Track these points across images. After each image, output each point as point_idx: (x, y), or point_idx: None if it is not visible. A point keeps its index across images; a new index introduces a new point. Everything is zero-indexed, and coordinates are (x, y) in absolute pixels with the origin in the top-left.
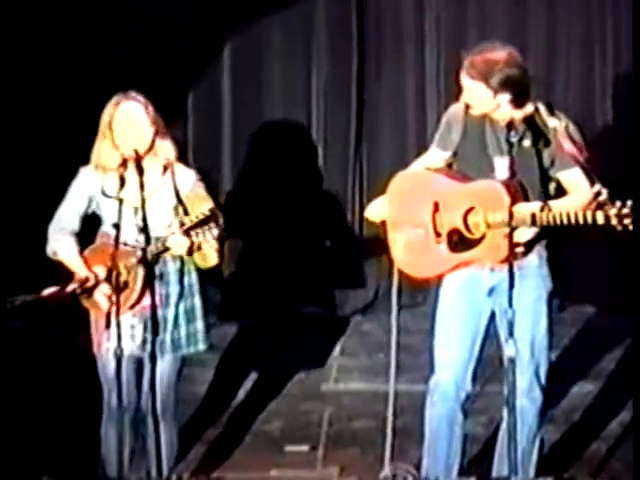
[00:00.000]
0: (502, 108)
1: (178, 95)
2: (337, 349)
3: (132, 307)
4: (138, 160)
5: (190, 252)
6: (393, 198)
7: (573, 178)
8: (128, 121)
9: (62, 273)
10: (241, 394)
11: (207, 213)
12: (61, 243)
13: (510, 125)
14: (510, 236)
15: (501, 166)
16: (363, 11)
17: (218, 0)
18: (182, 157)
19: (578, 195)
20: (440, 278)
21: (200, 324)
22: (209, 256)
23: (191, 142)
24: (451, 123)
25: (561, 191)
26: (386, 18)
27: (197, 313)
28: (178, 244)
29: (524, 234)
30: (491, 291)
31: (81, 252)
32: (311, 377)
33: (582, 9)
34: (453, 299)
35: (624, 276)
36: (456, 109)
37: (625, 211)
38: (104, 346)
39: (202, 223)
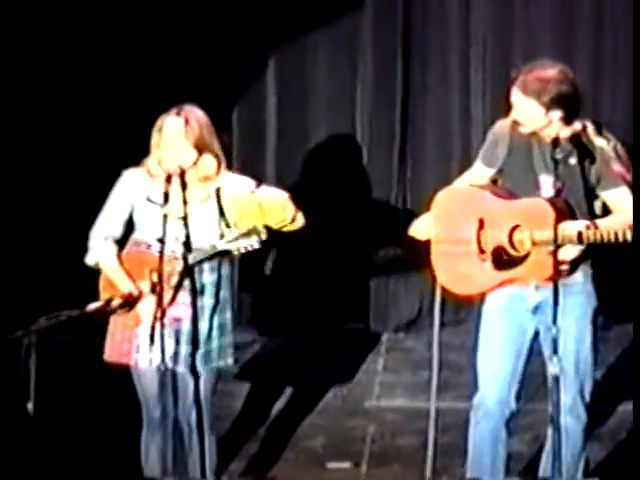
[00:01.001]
0: (552, 125)
1: (224, 107)
2: (380, 365)
3: (162, 318)
4: (182, 176)
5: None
6: (437, 214)
7: (619, 197)
8: (168, 139)
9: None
10: (281, 410)
11: (250, 228)
12: (104, 252)
13: (556, 142)
14: (555, 254)
15: (547, 184)
16: (409, 26)
17: (264, 13)
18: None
19: (623, 214)
20: (483, 295)
21: (230, 338)
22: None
23: (236, 154)
24: (497, 139)
25: (607, 210)
26: (432, 33)
27: (228, 327)
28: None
29: (570, 252)
30: (536, 309)
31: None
32: (354, 393)
33: (628, 27)
34: (497, 316)
35: None
36: (502, 125)
37: None
38: (133, 357)
39: (243, 237)
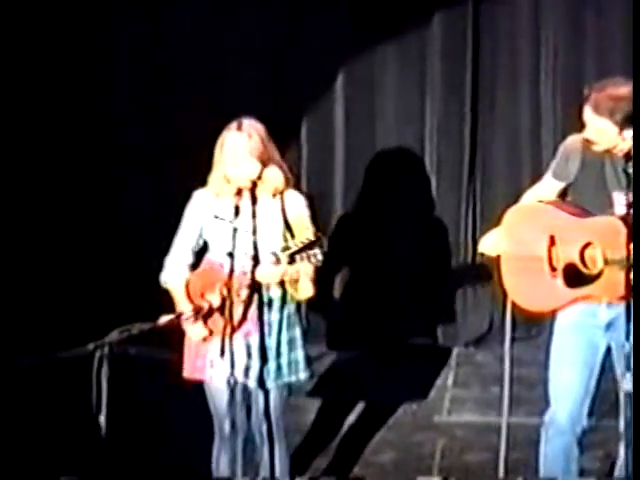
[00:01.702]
0: (625, 142)
1: (293, 122)
2: (450, 380)
3: (232, 333)
4: (253, 190)
5: (283, 280)
6: (507, 230)
7: None
8: (232, 156)
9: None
10: (350, 424)
11: (312, 238)
12: (173, 273)
13: (628, 156)
14: (627, 274)
15: (620, 200)
16: (478, 42)
17: (333, 27)
18: (295, 182)
19: None
20: (555, 312)
21: (301, 353)
22: (304, 288)
23: (305, 170)
24: (569, 154)
25: None
26: (501, 46)
27: (297, 342)
28: (266, 274)
29: None
30: (608, 326)
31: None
32: (424, 408)
33: None
34: (569, 333)
35: None
36: (574, 140)
37: None
38: (208, 373)
39: (306, 248)
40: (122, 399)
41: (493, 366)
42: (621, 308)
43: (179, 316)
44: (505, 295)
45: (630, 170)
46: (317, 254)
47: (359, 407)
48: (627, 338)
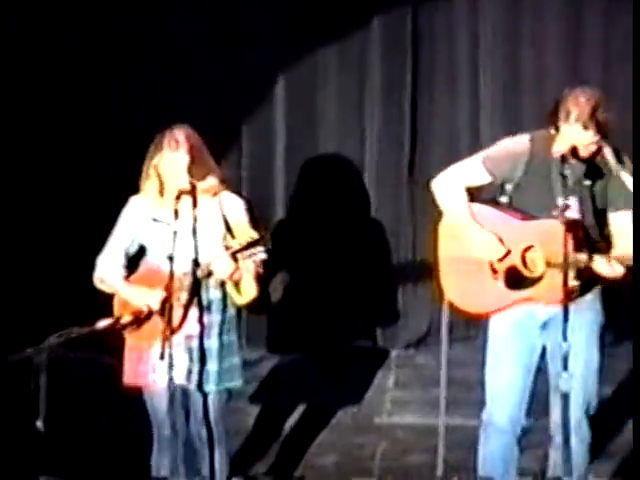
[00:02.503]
0: (564, 144)
1: (232, 127)
2: (390, 382)
3: (172, 334)
4: (193, 193)
5: (232, 277)
6: (446, 232)
7: (621, 222)
8: (170, 173)
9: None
10: (291, 427)
11: (255, 237)
12: (108, 272)
13: (564, 158)
14: (565, 277)
15: (565, 206)
16: (417, 44)
17: (272, 32)
18: (235, 186)
19: (627, 240)
20: (493, 313)
21: (237, 359)
22: (248, 289)
23: (245, 173)
24: (514, 155)
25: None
26: (440, 50)
27: (235, 347)
28: (222, 268)
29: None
30: (544, 325)
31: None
32: (364, 410)
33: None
34: (506, 332)
35: None
36: (522, 142)
37: None
38: (150, 377)
39: (249, 247)
40: (61, 404)
41: (433, 367)
42: (558, 308)
43: (117, 320)
44: (442, 297)
45: (567, 172)
46: (260, 252)
47: (300, 410)
48: (564, 338)
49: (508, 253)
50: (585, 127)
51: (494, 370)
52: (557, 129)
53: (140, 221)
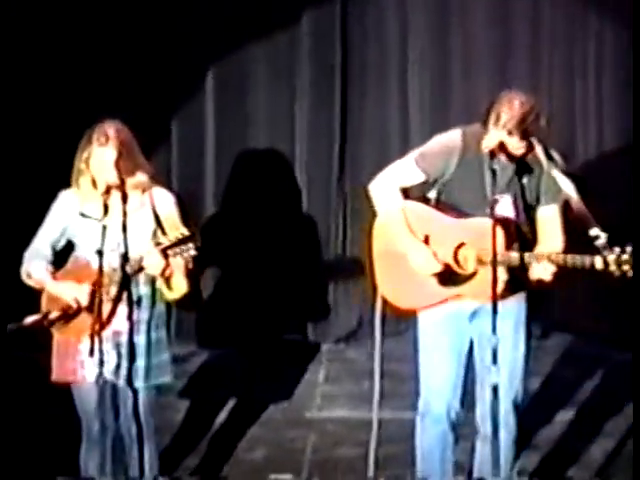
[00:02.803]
0: (491, 140)
1: (162, 121)
2: (321, 376)
3: (101, 330)
4: (122, 188)
5: (163, 273)
6: (381, 231)
7: (549, 215)
8: (100, 167)
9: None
10: (222, 422)
11: (186, 233)
12: (34, 266)
13: (493, 154)
14: (494, 275)
15: (497, 203)
16: (347, 42)
17: (202, 29)
18: (165, 181)
19: (555, 235)
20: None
21: (167, 355)
22: (179, 284)
23: (175, 167)
24: (447, 152)
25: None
26: (369, 48)
27: (164, 344)
28: (153, 263)
29: (542, 272)
30: (473, 315)
31: (53, 275)
32: (295, 404)
33: (566, 34)
34: (436, 325)
35: (606, 304)
36: (453, 138)
37: (625, 257)
38: (79, 373)
39: (180, 243)
40: None
41: (363, 362)
42: (482, 300)
43: (46, 316)
44: (375, 292)
45: (497, 169)
46: (190, 249)
47: (229, 405)
48: (493, 331)
49: (445, 267)
50: (510, 133)
51: (427, 361)
52: (486, 128)
53: (69, 216)
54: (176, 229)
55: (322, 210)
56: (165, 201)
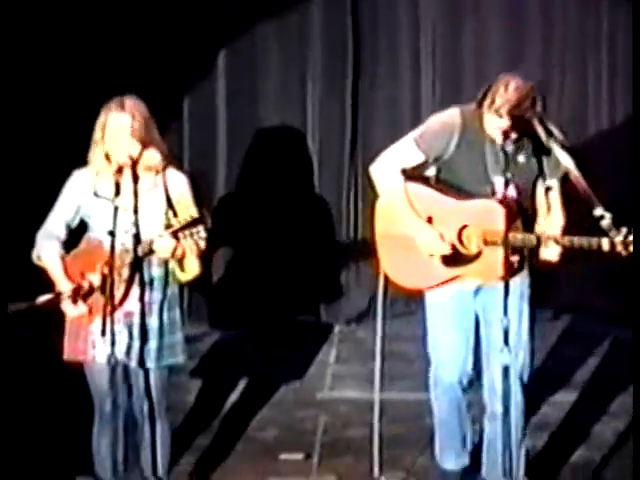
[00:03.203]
0: (503, 122)
1: (174, 100)
2: (332, 357)
3: (113, 311)
4: (134, 167)
5: (174, 255)
6: (384, 212)
7: (550, 190)
8: (114, 135)
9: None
10: (233, 402)
11: (195, 216)
12: (45, 248)
13: (507, 134)
14: (506, 256)
15: (499, 183)
16: (358, 15)
17: (213, 9)
18: (177, 161)
19: (555, 210)
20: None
21: (180, 336)
22: (191, 266)
23: (186, 147)
24: (447, 131)
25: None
26: (381, 21)
27: (177, 324)
28: (164, 246)
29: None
30: (477, 292)
31: (65, 256)
32: (306, 385)
33: (579, 21)
34: (443, 301)
35: (612, 283)
36: (453, 115)
37: (631, 238)
38: (90, 353)
39: (190, 225)
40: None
41: (374, 342)
42: None
43: (58, 295)
44: (379, 273)
45: (509, 148)
46: (200, 231)
47: (241, 385)
48: (505, 313)
49: (451, 248)
50: (504, 117)
51: (436, 338)
52: (481, 110)
53: (82, 195)
54: (187, 211)
55: (334, 191)
56: (178, 182)
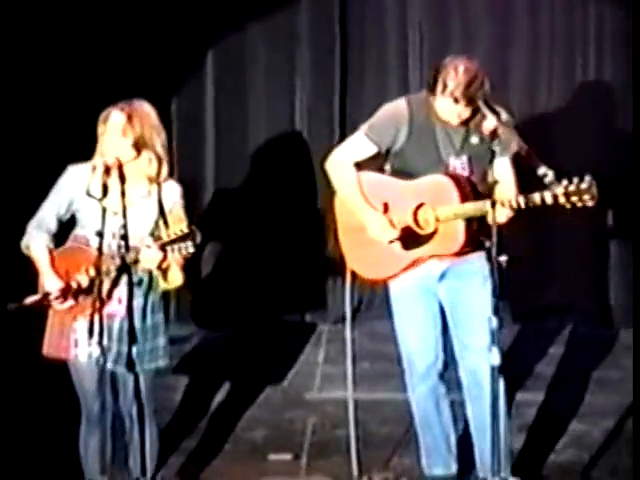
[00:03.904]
0: (462, 113)
1: (162, 101)
2: (320, 357)
3: (99, 311)
4: (120, 168)
5: (159, 267)
6: (342, 206)
7: (502, 169)
8: (110, 132)
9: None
10: (221, 402)
11: (186, 231)
12: (35, 239)
13: (462, 121)
14: (467, 228)
15: (457, 166)
16: (346, 14)
17: (201, 8)
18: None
19: (508, 186)
20: (396, 277)
21: (162, 340)
22: (174, 277)
23: (175, 148)
24: (397, 122)
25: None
26: (369, 21)
27: (161, 328)
28: (150, 258)
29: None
30: (441, 277)
31: (53, 251)
32: (294, 385)
33: (565, 15)
34: (407, 288)
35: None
36: (400, 107)
37: (584, 186)
38: (72, 352)
39: (179, 240)
40: None
41: (363, 343)
42: (449, 262)
43: (46, 296)
44: (344, 268)
45: (451, 133)
46: (189, 247)
47: (229, 386)
48: (494, 313)
49: (407, 230)
50: (456, 101)
51: (403, 326)
52: (434, 95)
53: (76, 191)
54: (179, 222)
55: (322, 188)
56: (172, 193)
